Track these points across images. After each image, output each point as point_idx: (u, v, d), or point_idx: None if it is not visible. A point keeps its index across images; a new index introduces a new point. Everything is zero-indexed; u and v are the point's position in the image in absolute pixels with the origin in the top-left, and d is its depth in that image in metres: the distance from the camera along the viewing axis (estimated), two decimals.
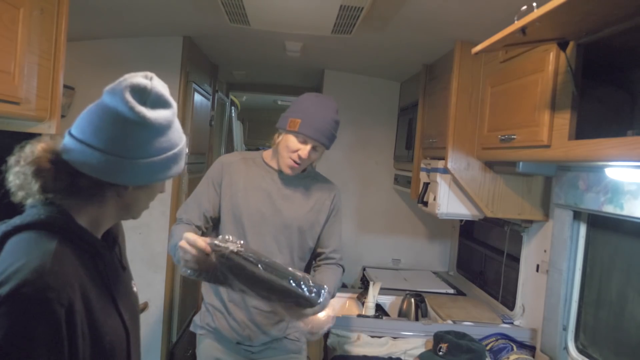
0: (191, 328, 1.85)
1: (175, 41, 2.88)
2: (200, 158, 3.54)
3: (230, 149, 5.09)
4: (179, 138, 0.95)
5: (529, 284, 2.19)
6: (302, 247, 1.75)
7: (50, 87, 1.71)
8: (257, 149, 4.41)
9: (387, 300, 2.68)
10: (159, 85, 0.90)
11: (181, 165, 0.98)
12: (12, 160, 0.89)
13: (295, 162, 1.66)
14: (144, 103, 0.87)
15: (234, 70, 4.04)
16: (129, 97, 0.85)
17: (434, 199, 2.31)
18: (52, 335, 0.79)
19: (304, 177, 1.78)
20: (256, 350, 1.76)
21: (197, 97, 3.21)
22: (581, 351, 1.83)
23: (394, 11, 2.02)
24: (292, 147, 1.65)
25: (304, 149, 1.64)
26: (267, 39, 2.68)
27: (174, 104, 0.94)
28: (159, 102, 0.90)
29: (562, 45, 1.37)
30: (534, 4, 1.14)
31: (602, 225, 1.79)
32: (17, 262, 0.80)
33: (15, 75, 1.47)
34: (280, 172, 1.73)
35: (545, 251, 2.03)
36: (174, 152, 0.93)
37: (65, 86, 1.81)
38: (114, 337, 0.93)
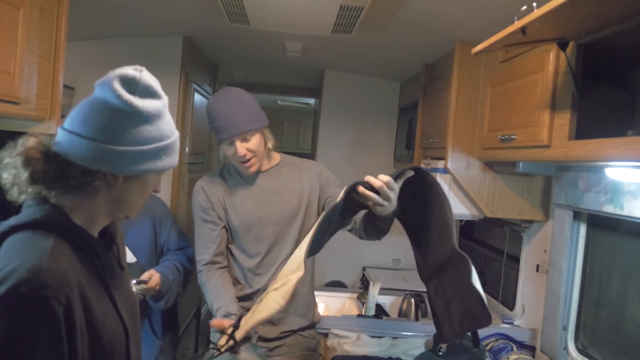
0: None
1: (175, 41, 2.87)
2: (200, 158, 3.54)
3: None
4: (170, 131, 0.95)
5: (529, 284, 2.19)
6: (308, 230, 1.76)
7: (50, 87, 1.72)
8: None
9: (387, 300, 2.68)
10: (149, 77, 0.91)
11: (174, 160, 0.97)
12: (3, 154, 0.90)
13: (242, 162, 1.68)
14: (132, 92, 0.88)
15: (234, 70, 4.04)
16: (117, 86, 0.87)
17: None
18: (51, 333, 0.78)
19: (281, 166, 1.79)
20: (272, 347, 1.76)
21: (197, 97, 3.21)
22: (581, 351, 1.82)
23: (394, 11, 2.02)
24: (229, 154, 1.68)
25: (237, 148, 1.65)
26: (267, 39, 2.68)
27: (165, 97, 0.94)
28: (148, 93, 0.90)
29: (562, 45, 1.37)
30: (534, 4, 1.14)
31: (602, 225, 1.79)
32: (13, 262, 0.80)
33: (15, 75, 1.48)
34: (257, 172, 1.74)
35: (545, 251, 2.03)
36: (165, 144, 0.93)
37: (65, 86, 1.81)
38: (113, 336, 0.93)
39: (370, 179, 1.26)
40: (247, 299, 1.75)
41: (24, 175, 0.87)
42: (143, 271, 1.92)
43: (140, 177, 0.94)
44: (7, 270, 0.79)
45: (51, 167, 0.87)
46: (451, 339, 1.42)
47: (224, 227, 1.75)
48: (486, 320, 1.26)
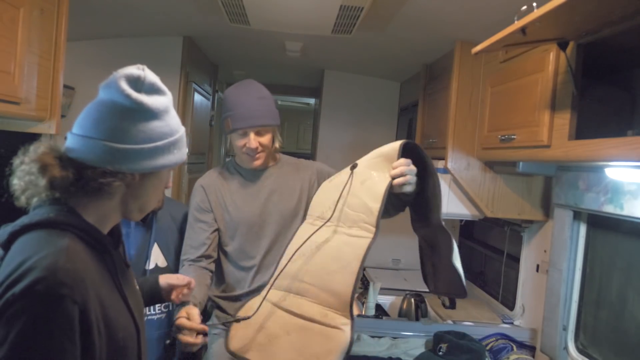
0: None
1: (175, 41, 2.88)
2: (201, 158, 3.55)
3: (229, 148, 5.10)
4: (177, 125, 0.97)
5: (529, 284, 2.19)
6: None
7: (50, 87, 1.72)
8: None
9: (387, 300, 2.68)
10: (152, 75, 0.93)
11: (184, 153, 0.99)
12: (16, 162, 0.90)
13: (250, 155, 1.69)
14: (139, 91, 0.89)
15: (234, 70, 4.04)
16: (124, 86, 0.88)
17: None
18: (65, 332, 0.79)
19: (281, 166, 1.80)
20: None
21: (197, 97, 3.21)
22: (581, 351, 1.83)
23: (394, 11, 2.02)
24: (239, 144, 1.68)
25: (249, 140, 1.66)
26: (267, 39, 2.68)
27: (169, 92, 0.96)
28: (153, 90, 0.92)
29: (562, 45, 1.37)
30: (534, 4, 1.14)
31: (602, 225, 1.79)
32: (30, 260, 0.81)
33: (15, 75, 1.48)
34: (255, 170, 1.75)
35: (545, 251, 2.03)
36: (175, 138, 0.95)
37: (65, 86, 1.81)
38: (126, 334, 0.94)
39: (397, 171, 1.44)
40: (246, 296, 1.74)
41: (42, 182, 0.87)
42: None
43: (155, 174, 0.96)
44: (24, 268, 0.79)
45: (69, 173, 0.88)
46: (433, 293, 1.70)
47: (216, 230, 1.74)
48: (463, 294, 1.50)
